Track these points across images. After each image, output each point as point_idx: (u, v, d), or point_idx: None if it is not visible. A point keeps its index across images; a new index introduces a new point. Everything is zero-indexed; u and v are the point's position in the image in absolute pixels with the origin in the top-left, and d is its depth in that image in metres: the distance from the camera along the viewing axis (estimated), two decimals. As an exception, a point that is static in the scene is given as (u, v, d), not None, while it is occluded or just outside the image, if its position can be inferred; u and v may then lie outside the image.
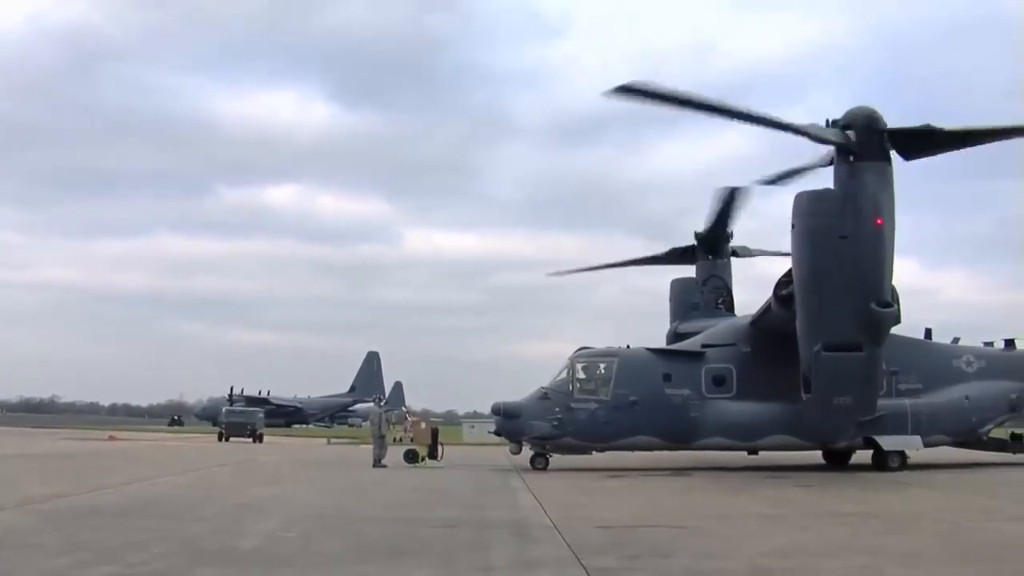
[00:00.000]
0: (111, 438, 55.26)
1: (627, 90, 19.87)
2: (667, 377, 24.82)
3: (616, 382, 24.83)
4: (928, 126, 20.43)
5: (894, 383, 24.04)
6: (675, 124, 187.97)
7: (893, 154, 20.72)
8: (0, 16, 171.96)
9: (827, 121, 20.70)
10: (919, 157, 20.93)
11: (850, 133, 20.38)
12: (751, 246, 33.00)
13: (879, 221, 20.17)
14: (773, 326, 23.42)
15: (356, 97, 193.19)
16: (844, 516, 13.59)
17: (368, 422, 39.09)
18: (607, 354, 25.79)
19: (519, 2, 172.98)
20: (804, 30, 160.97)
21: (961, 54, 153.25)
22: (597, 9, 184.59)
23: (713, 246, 31.62)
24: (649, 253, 34.38)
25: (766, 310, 24.04)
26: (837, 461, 25.93)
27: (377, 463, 27.21)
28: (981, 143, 20.91)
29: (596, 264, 35.46)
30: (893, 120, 20.79)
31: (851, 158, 20.35)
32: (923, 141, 20.62)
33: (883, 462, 23.25)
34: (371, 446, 29.02)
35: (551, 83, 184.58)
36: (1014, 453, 25.51)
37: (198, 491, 18.14)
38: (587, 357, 25.75)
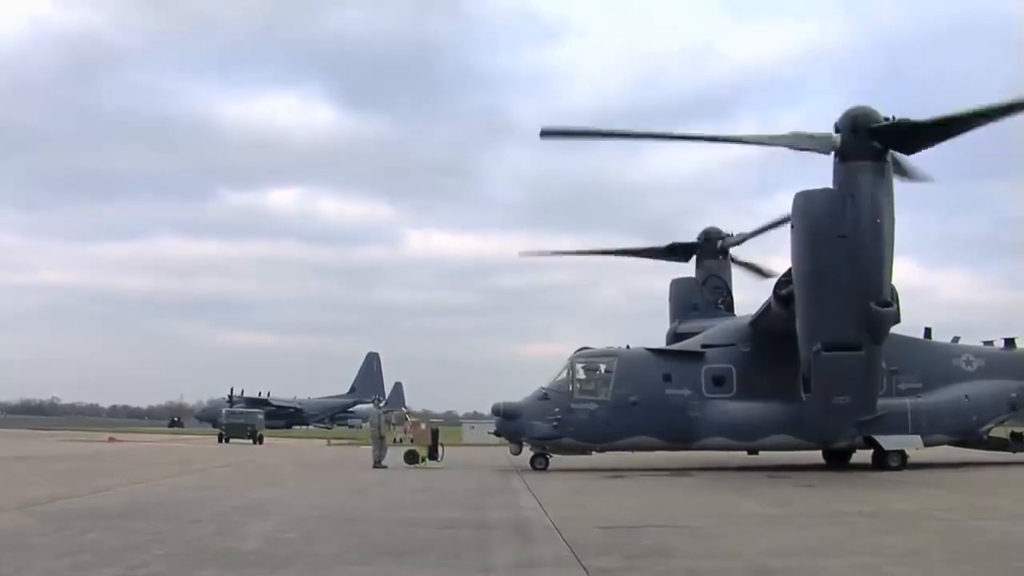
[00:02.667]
0: (111, 440, 55.24)
1: (552, 133, 22.14)
2: (667, 377, 24.81)
3: (616, 382, 24.84)
4: (906, 119, 20.28)
5: (894, 382, 24.07)
6: (674, 127, 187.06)
7: (896, 153, 20.69)
8: (3, 20, 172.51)
9: (835, 125, 20.72)
10: (917, 151, 20.82)
11: (836, 136, 20.42)
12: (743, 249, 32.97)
13: (878, 220, 20.17)
14: (773, 326, 23.43)
15: (357, 100, 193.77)
16: (844, 515, 13.59)
17: (368, 423, 39.06)
18: (607, 354, 25.80)
19: (518, 6, 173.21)
20: (801, 32, 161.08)
21: (960, 56, 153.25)
22: (595, 13, 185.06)
23: (723, 249, 31.70)
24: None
25: (766, 310, 24.06)
26: (837, 461, 25.93)
27: (377, 464, 27.22)
28: (968, 129, 20.43)
29: (573, 249, 35.27)
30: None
31: (838, 159, 20.37)
32: (908, 135, 20.45)
33: (883, 461, 23.26)
34: (371, 447, 29.03)
35: (550, 86, 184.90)
36: (1014, 452, 25.50)
37: (198, 492, 18.13)
38: (587, 357, 25.76)
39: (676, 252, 32.23)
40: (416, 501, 16.58)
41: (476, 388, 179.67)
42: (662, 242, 32.56)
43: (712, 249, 31.95)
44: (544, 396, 24.96)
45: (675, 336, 29.52)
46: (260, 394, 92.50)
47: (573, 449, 25.19)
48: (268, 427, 66.74)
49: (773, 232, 28.37)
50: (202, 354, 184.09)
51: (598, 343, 27.02)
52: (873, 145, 20.32)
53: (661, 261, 32.95)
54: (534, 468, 24.69)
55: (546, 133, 21.96)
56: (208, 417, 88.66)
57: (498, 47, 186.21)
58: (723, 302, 31.28)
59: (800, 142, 20.87)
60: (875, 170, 20.39)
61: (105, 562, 8.96)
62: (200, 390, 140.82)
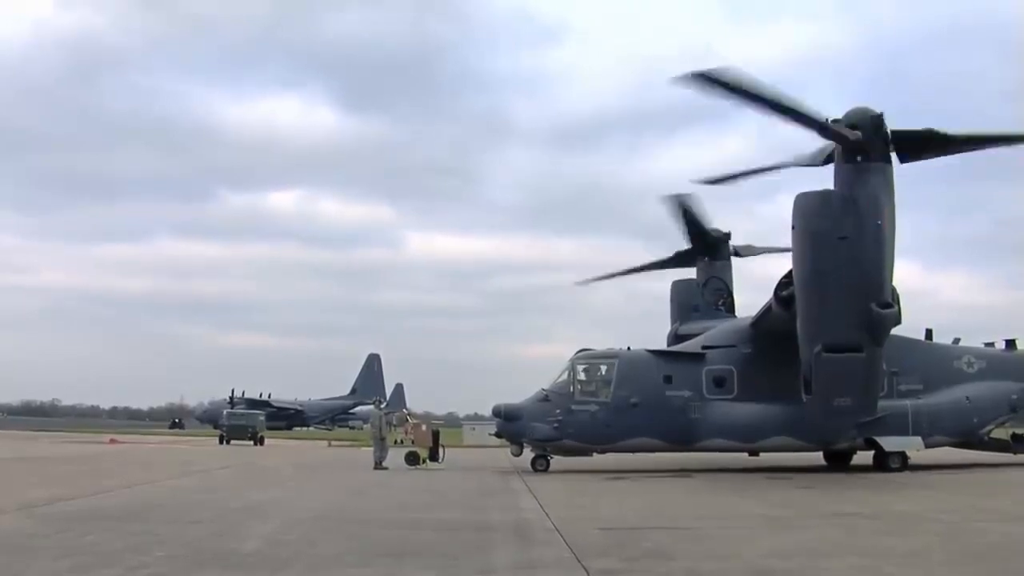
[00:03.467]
0: (112, 441, 55.28)
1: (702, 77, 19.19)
2: (668, 379, 24.80)
3: (617, 384, 24.83)
4: (931, 130, 20.42)
5: (895, 384, 24.05)
6: (674, 129, 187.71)
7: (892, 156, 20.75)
8: (5, 23, 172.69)
9: (826, 120, 20.72)
10: (916, 160, 20.95)
11: (855, 133, 20.41)
12: (753, 245, 33.30)
13: (879, 222, 20.17)
14: (774, 327, 23.41)
15: (358, 101, 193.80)
16: (845, 517, 13.59)
17: (368, 424, 39.06)
18: (608, 356, 25.77)
19: (518, 9, 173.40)
20: (801, 34, 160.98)
21: (959, 57, 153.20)
22: (594, 15, 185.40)
23: (709, 249, 31.88)
24: (648, 256, 34.68)
25: (767, 311, 24.05)
26: (838, 462, 25.92)
27: (378, 465, 27.22)
28: (983, 148, 20.77)
29: (616, 271, 35.74)
30: (890, 123, 20.78)
31: (858, 158, 20.34)
32: (925, 145, 20.58)
33: (884, 463, 23.24)
34: (372, 448, 29.03)
35: (550, 88, 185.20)
36: (1015, 453, 25.47)
37: (199, 494, 18.14)
38: (588, 359, 25.75)
39: (682, 259, 32.53)
40: (417, 502, 16.58)
41: (477, 389, 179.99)
42: (661, 244, 32.87)
43: (713, 251, 32.04)
44: (545, 398, 24.96)
45: (676, 337, 29.53)
46: (261, 395, 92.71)
47: (574, 450, 25.18)
48: (269, 428, 66.85)
49: (772, 235, 28.68)
50: (203, 355, 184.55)
51: (598, 344, 27.01)
52: (886, 148, 20.36)
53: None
54: (535, 469, 24.68)
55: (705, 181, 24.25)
56: (209, 418, 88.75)
57: (498, 49, 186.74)
58: (724, 303, 31.29)
59: (800, 160, 21.61)
60: (880, 171, 20.41)
61: (105, 563, 8.96)
62: (201, 391, 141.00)
